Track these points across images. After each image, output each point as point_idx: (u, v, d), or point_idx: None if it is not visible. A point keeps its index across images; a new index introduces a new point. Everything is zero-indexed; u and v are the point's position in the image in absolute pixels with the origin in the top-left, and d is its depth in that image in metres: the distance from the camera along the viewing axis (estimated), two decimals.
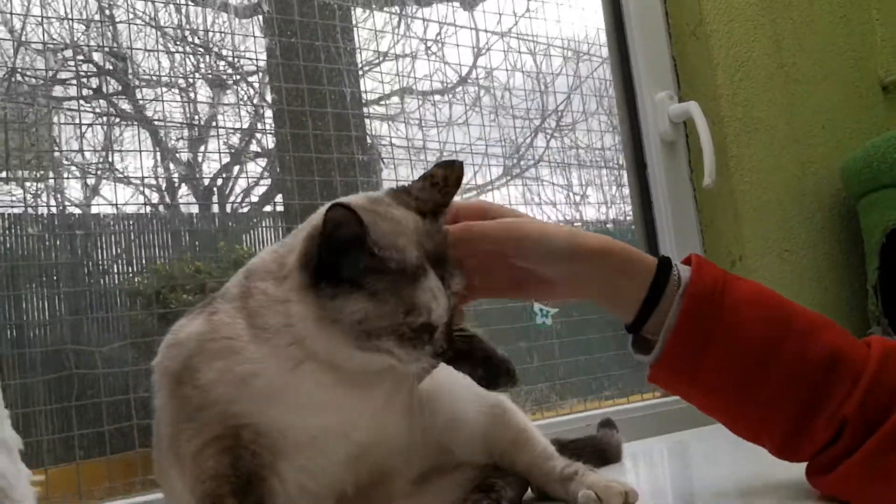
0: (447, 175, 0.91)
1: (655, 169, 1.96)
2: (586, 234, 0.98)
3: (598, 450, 1.31)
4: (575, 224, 2.10)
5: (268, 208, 1.81)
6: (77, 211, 1.51)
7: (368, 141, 1.75)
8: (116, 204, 1.54)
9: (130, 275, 1.62)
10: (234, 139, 1.71)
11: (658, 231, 1.97)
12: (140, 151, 1.50)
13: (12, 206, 1.49)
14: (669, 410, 1.78)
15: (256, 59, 1.68)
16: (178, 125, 1.61)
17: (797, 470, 1.01)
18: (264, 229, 1.79)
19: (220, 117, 1.66)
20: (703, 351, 0.95)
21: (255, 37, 1.64)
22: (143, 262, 1.65)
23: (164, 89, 1.57)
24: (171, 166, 1.66)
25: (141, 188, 1.58)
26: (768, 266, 1.94)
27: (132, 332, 1.50)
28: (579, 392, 1.90)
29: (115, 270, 1.61)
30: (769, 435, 0.99)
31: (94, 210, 1.54)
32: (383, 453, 0.96)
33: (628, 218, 2.10)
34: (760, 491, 1.04)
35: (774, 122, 2.03)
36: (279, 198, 1.75)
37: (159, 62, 1.59)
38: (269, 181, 1.77)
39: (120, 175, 1.54)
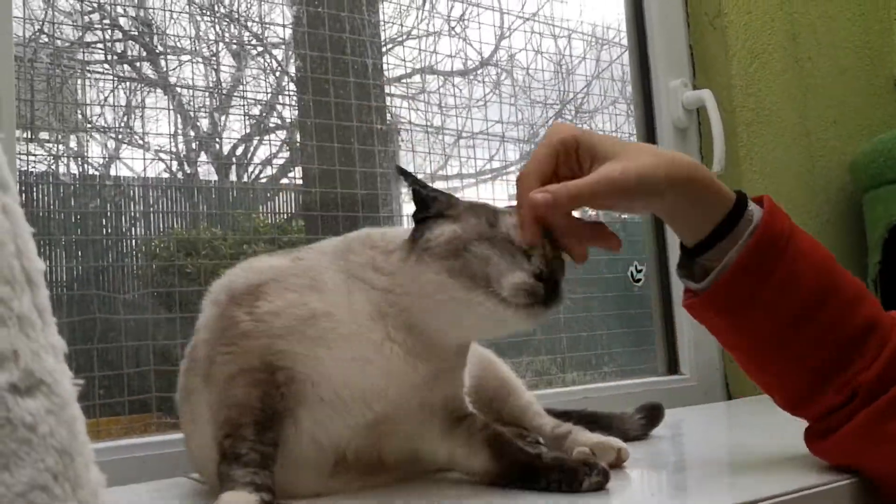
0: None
1: None
2: (676, 160, 0.97)
3: (587, 419, 1.34)
4: (588, 215, 2.13)
5: (285, 180, 1.85)
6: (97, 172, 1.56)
7: (388, 115, 1.80)
8: (144, 169, 1.59)
9: (149, 237, 1.66)
10: (255, 111, 1.75)
11: None
12: (167, 111, 1.55)
13: (36, 164, 1.53)
14: (672, 388, 1.84)
15: (284, 29, 1.72)
16: (202, 91, 1.65)
17: (787, 445, 1.05)
18: (282, 201, 1.83)
19: (242, 87, 1.70)
20: (757, 290, 0.97)
21: (282, 4, 1.68)
22: (161, 227, 1.69)
23: (188, 57, 1.61)
24: (192, 133, 1.70)
25: (159, 155, 1.62)
26: None
27: (152, 283, 1.55)
28: (580, 366, 1.95)
29: (133, 234, 1.65)
30: (785, 387, 1.04)
31: (113, 173, 1.58)
32: (394, 426, 0.98)
33: (639, 218, 2.13)
34: (750, 462, 1.08)
35: (786, 115, 2.06)
36: (299, 171, 1.78)
37: (185, 29, 1.63)
38: (287, 153, 1.81)
39: (140, 141, 1.58)
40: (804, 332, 0.99)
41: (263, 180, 1.84)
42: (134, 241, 1.63)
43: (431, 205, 0.94)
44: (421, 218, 0.95)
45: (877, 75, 2.28)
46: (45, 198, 1.53)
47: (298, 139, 1.72)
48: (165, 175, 1.67)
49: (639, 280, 2.00)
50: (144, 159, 1.57)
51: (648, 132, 2.05)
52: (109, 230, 1.58)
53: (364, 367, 0.92)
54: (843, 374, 0.98)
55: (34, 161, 1.50)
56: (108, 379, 1.39)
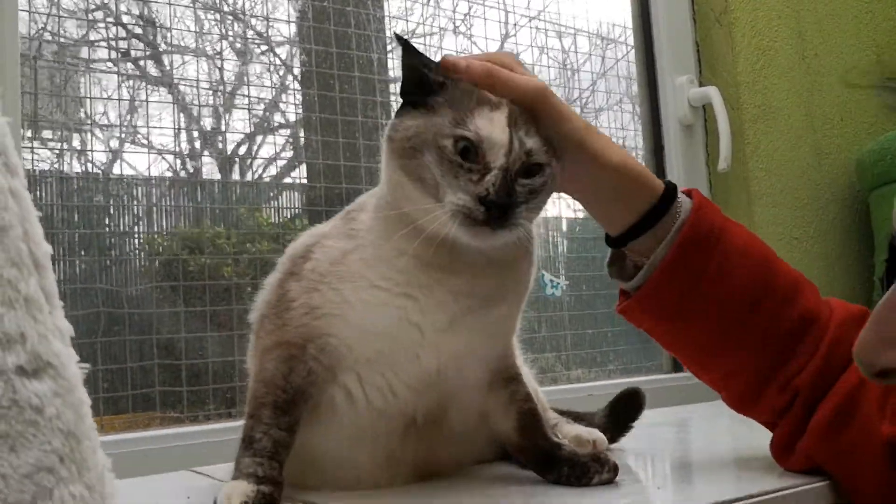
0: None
1: (672, 151, 1.99)
2: (600, 136, 0.96)
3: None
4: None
5: (287, 180, 1.85)
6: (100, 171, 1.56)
7: (393, 106, 1.79)
8: (149, 168, 1.59)
9: (153, 235, 1.65)
10: (259, 109, 1.74)
11: None
12: (172, 124, 1.55)
13: (40, 162, 1.52)
14: (677, 386, 1.83)
15: (289, 26, 1.71)
16: (206, 88, 1.64)
17: None
18: (285, 199, 1.82)
19: (245, 87, 1.69)
20: (688, 291, 0.95)
21: (286, 0, 1.68)
22: (164, 225, 1.67)
23: (192, 56, 1.61)
24: (195, 133, 1.70)
25: (162, 155, 1.61)
26: (778, 252, 1.96)
27: (156, 280, 1.55)
28: (584, 363, 1.95)
29: (137, 231, 1.64)
30: (730, 386, 1.03)
31: (116, 171, 1.58)
32: (452, 383, 0.97)
33: None
34: (755, 457, 1.08)
35: (792, 112, 2.06)
36: (303, 169, 1.77)
37: (189, 26, 1.62)
38: (291, 152, 1.81)
39: (143, 139, 1.57)
40: (740, 330, 0.97)
41: (267, 179, 1.84)
42: (137, 238, 1.62)
43: (417, 87, 0.90)
44: (407, 99, 0.92)
45: (883, 72, 2.27)
46: (49, 195, 1.53)
47: (302, 137, 1.72)
48: (169, 174, 1.67)
49: None
50: (150, 154, 1.57)
51: (654, 129, 2.04)
52: (112, 228, 1.57)
53: (386, 298, 0.91)
54: (782, 372, 0.97)
55: (38, 159, 1.49)
56: (112, 373, 1.39)
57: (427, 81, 0.89)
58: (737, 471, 1.09)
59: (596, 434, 1.11)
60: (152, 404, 1.40)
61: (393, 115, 0.94)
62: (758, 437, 1.05)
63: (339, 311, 0.92)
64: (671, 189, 0.97)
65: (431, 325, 0.92)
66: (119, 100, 1.55)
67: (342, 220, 1.00)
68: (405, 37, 0.92)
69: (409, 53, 0.91)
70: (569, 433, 1.09)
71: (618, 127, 2.15)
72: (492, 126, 0.85)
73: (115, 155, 1.57)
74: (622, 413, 1.25)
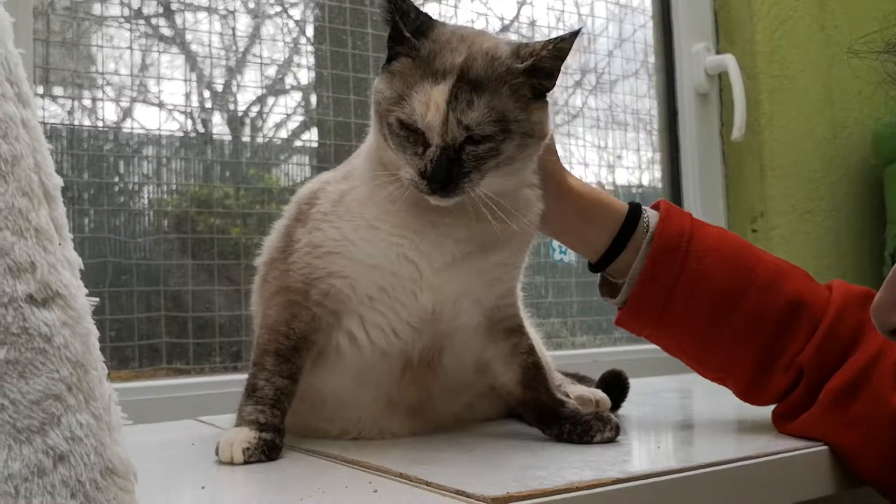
0: (562, 37, 0.91)
1: (686, 120, 1.98)
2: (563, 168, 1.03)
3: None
4: (606, 188, 2.12)
5: (298, 143, 1.84)
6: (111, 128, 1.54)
7: None
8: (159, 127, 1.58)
9: (162, 195, 1.65)
10: (270, 71, 1.73)
11: (683, 182, 2.00)
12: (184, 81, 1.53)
13: (51, 118, 1.51)
14: None
15: None
16: (218, 48, 1.62)
17: None
18: (294, 164, 1.81)
19: (257, 46, 1.68)
20: (668, 297, 1.00)
21: None
22: (174, 185, 1.66)
23: (204, 15, 1.59)
24: (206, 93, 1.68)
25: (173, 114, 1.60)
26: (788, 225, 1.96)
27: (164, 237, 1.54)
28: (590, 330, 1.95)
29: (147, 192, 1.63)
30: (733, 379, 1.06)
31: (127, 129, 1.57)
32: (447, 324, 0.98)
33: (659, 185, 2.11)
34: (756, 422, 1.09)
35: (810, 83, 2.03)
36: (313, 133, 1.76)
37: None
38: (303, 116, 1.79)
39: (154, 99, 1.56)
40: (732, 321, 1.00)
41: (278, 142, 1.82)
42: (147, 196, 1.61)
43: (393, 37, 0.91)
44: (389, 49, 0.92)
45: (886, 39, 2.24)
46: (59, 150, 1.52)
47: (314, 101, 1.70)
48: (179, 134, 1.66)
49: None
50: (161, 110, 1.56)
51: (669, 97, 2.03)
52: (122, 185, 1.57)
53: (383, 236, 0.93)
54: (782, 356, 0.99)
55: (49, 115, 1.49)
56: (120, 323, 1.40)
57: (399, 32, 0.89)
58: (737, 434, 1.10)
59: (599, 394, 1.12)
60: (159, 356, 1.41)
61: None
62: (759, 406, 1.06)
63: (340, 249, 0.94)
64: (635, 207, 1.03)
65: (428, 265, 0.94)
66: (131, 50, 1.54)
67: (343, 164, 1.03)
68: None
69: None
70: (573, 393, 1.10)
71: (634, 98, 2.12)
72: (427, 107, 0.86)
73: (126, 112, 1.56)
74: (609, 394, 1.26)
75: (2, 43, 0.53)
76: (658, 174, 2.10)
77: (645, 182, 2.15)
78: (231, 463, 0.87)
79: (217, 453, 0.89)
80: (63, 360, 0.51)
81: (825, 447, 0.96)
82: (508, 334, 1.01)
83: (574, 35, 0.90)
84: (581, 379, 1.27)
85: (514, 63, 0.88)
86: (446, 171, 0.85)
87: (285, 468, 0.87)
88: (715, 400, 1.45)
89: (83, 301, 0.53)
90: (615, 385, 1.24)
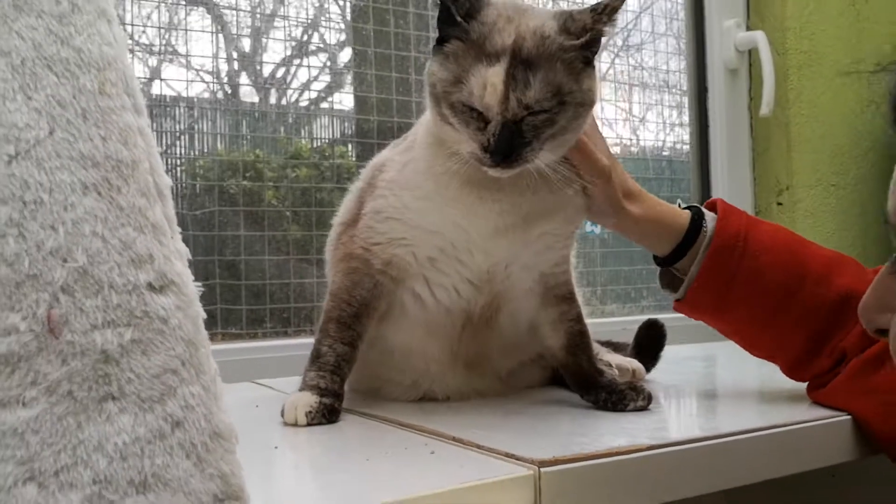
0: (606, 3, 0.95)
1: (716, 95, 2.02)
2: (631, 189, 1.09)
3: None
4: (631, 149, 2.17)
5: (325, 105, 1.88)
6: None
7: None
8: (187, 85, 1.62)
9: (192, 157, 1.68)
10: (297, 32, 1.74)
11: (711, 155, 2.04)
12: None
13: None
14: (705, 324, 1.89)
15: None
16: (246, 11, 1.65)
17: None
18: (322, 124, 1.84)
19: (284, 8, 1.69)
20: (724, 294, 1.07)
21: None
22: (205, 147, 1.69)
23: None
24: (234, 54, 1.72)
25: (200, 74, 1.62)
26: (814, 198, 2.00)
27: (192, 207, 1.59)
28: (619, 299, 2.02)
29: (177, 153, 1.67)
30: (782, 359, 1.13)
31: (155, 92, 1.60)
32: (501, 285, 1.06)
33: (685, 147, 2.16)
34: (779, 392, 1.15)
35: (839, 58, 2.06)
36: (348, 93, 1.80)
37: None
38: (329, 77, 1.82)
39: (182, 60, 1.60)
40: (783, 317, 1.07)
41: (304, 103, 1.85)
42: (179, 159, 1.65)
43: (445, 19, 0.94)
44: (440, 31, 0.96)
45: None
46: None
47: (349, 63, 1.74)
48: (206, 95, 1.68)
49: None
50: (188, 72, 1.58)
51: (699, 72, 2.06)
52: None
53: (439, 207, 1.01)
54: (831, 341, 1.06)
55: None
56: None
57: (450, 15, 0.93)
58: (760, 404, 1.17)
59: (636, 364, 1.20)
60: (214, 322, 1.49)
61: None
62: (778, 374, 1.13)
63: (401, 216, 1.02)
64: (696, 217, 1.09)
65: (477, 232, 1.01)
66: (159, 5, 1.59)
67: (410, 133, 1.10)
68: None
69: None
70: (611, 361, 1.17)
71: (655, 67, 2.16)
72: (485, 89, 0.90)
73: (154, 73, 1.60)
74: (647, 345, 1.34)
75: (121, 59, 0.60)
76: (685, 136, 2.15)
77: (669, 143, 2.21)
78: (295, 424, 0.96)
79: (282, 415, 0.97)
80: (178, 340, 0.59)
81: (846, 416, 1.02)
82: (559, 301, 1.08)
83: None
84: (615, 346, 1.34)
85: (565, 40, 0.93)
86: (508, 143, 0.90)
87: (347, 431, 0.95)
88: (737, 369, 1.52)
89: (192, 287, 0.61)
90: (652, 335, 1.33)
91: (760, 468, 0.93)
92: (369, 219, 1.04)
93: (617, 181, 1.06)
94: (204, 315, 0.61)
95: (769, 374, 1.20)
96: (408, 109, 1.70)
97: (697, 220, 1.09)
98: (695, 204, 1.13)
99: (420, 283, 1.05)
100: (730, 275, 1.06)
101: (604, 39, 0.97)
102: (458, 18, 0.93)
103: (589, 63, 0.96)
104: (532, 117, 0.91)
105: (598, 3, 0.94)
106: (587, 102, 0.96)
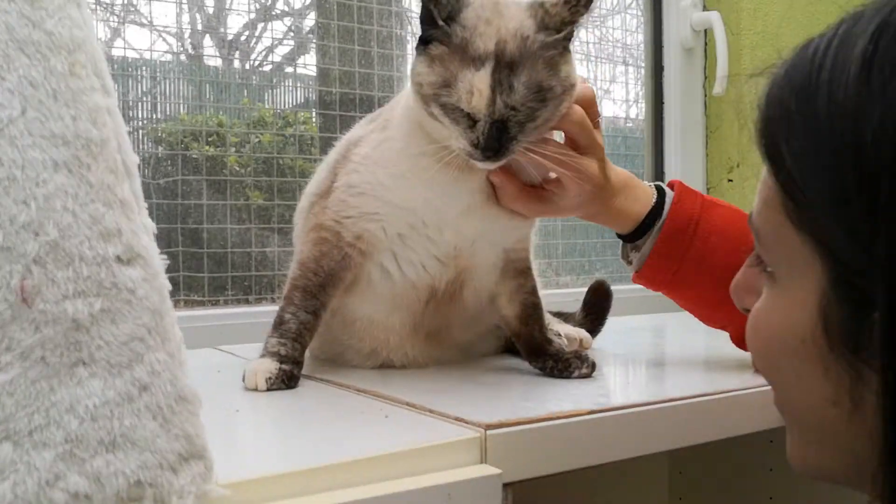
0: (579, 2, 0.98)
1: (672, 73, 2.07)
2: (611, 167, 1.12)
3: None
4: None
5: (289, 69, 1.89)
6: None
7: (407, 17, 1.85)
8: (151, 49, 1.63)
9: (155, 121, 1.67)
10: None
11: (665, 132, 2.10)
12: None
13: None
14: (657, 295, 1.95)
15: None
16: None
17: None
18: (286, 89, 1.84)
19: None
20: (675, 272, 1.13)
21: None
22: (167, 112, 1.68)
23: None
24: (198, 16, 1.71)
25: (162, 35, 1.61)
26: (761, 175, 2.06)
27: (155, 174, 1.61)
28: (573, 271, 2.08)
29: (139, 116, 1.66)
30: (732, 331, 1.19)
31: (116, 53, 1.59)
32: (468, 261, 1.11)
33: (639, 117, 2.22)
34: (724, 361, 1.21)
35: (790, 41, 2.08)
36: (312, 59, 1.81)
37: None
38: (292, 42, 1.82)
39: (145, 20, 1.58)
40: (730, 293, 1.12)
41: (268, 68, 1.85)
42: (140, 123, 1.64)
43: (427, 20, 0.97)
44: (423, 31, 0.99)
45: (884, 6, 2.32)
46: None
47: (313, 28, 1.75)
48: (169, 58, 1.67)
49: None
50: (153, 31, 1.57)
51: (656, 50, 2.11)
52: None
53: (413, 185, 1.04)
54: None
55: None
56: None
57: (432, 17, 0.96)
58: (705, 372, 1.23)
59: (583, 333, 1.26)
60: (176, 289, 1.52)
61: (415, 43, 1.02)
62: (730, 345, 1.19)
63: (374, 192, 1.06)
64: (658, 201, 1.14)
65: (449, 209, 1.05)
66: None
67: (384, 110, 1.13)
68: None
69: None
70: (559, 332, 1.23)
71: (620, 38, 2.21)
72: (472, 94, 0.94)
73: (115, 33, 1.59)
74: (595, 305, 1.40)
75: (90, 42, 0.62)
76: (637, 108, 2.21)
77: (629, 116, 2.26)
78: (255, 390, 1.00)
79: (244, 380, 1.02)
80: (144, 309, 0.62)
81: None
82: (517, 274, 1.14)
83: None
84: (564, 316, 1.40)
85: (545, 37, 0.96)
86: (496, 140, 0.95)
87: (307, 396, 1.00)
88: (687, 339, 1.59)
89: (158, 260, 0.64)
90: (599, 295, 1.40)
91: (701, 431, 0.98)
92: (342, 192, 1.07)
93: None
94: (169, 287, 0.65)
95: (717, 345, 1.25)
96: (370, 82, 1.72)
97: (660, 201, 1.14)
98: (659, 182, 1.18)
99: (388, 257, 1.09)
100: (680, 256, 1.12)
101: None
102: (440, 22, 0.96)
103: (566, 49, 1.00)
104: (517, 114, 0.96)
105: None
106: (567, 90, 1.00)
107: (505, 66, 0.94)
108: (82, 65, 0.62)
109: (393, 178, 1.05)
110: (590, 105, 1.06)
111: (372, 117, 1.17)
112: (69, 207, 0.60)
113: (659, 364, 1.32)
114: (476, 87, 0.94)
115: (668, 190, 1.16)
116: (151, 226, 0.65)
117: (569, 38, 0.99)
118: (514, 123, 0.96)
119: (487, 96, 0.94)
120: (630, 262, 1.19)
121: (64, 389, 0.58)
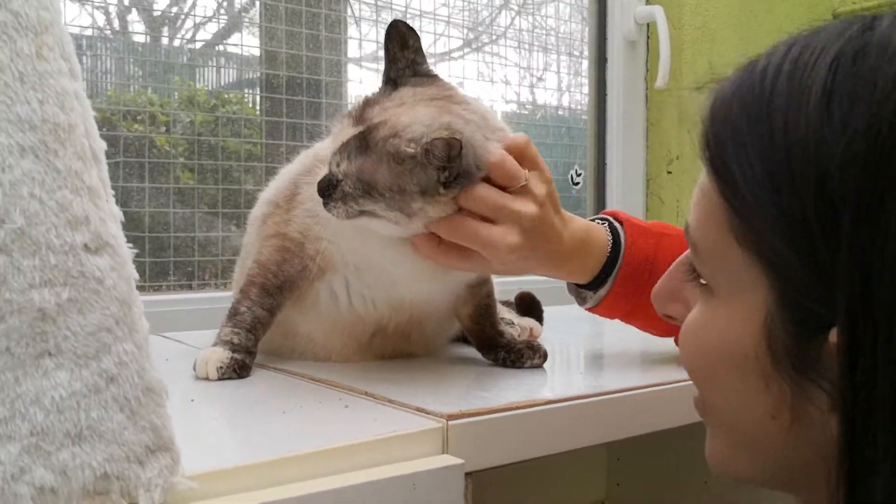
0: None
1: (615, 66, 2.11)
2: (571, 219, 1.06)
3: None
4: (526, 107, 2.24)
5: (220, 47, 1.84)
6: None
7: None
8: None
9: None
10: None
11: (608, 125, 2.14)
12: None
13: None
14: None
15: None
16: None
17: None
18: (218, 68, 1.79)
19: None
20: (632, 306, 1.12)
21: None
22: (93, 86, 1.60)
23: None
24: None
25: (84, 5, 1.54)
26: (700, 168, 2.12)
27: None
28: None
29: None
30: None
31: None
32: (423, 308, 1.10)
33: (580, 107, 2.25)
34: (663, 354, 1.24)
35: (729, 36, 2.17)
36: (250, 39, 1.77)
37: None
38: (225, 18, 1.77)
39: None
40: None
41: (199, 45, 1.79)
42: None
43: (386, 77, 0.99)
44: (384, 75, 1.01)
45: (817, 5, 2.40)
46: None
47: (248, 4, 1.72)
48: (93, 32, 1.61)
49: (577, 183, 2.15)
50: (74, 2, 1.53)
51: (600, 42, 2.14)
52: None
53: (364, 242, 1.01)
54: None
55: None
56: None
57: (386, 71, 0.99)
58: (642, 364, 1.26)
59: (533, 323, 1.27)
60: None
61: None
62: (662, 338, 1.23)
63: (330, 227, 1.02)
64: (613, 249, 1.09)
65: (398, 271, 1.03)
66: None
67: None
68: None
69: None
70: (512, 320, 1.24)
71: (561, 33, 2.23)
72: (334, 139, 0.96)
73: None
74: (527, 312, 1.39)
75: (57, 24, 0.60)
76: (584, 103, 2.24)
77: (568, 106, 2.29)
78: (206, 379, 0.98)
79: (194, 369, 1.00)
80: (112, 299, 0.61)
81: None
82: (476, 286, 1.12)
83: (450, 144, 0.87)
84: (505, 304, 1.41)
85: (406, 147, 0.89)
86: (324, 189, 0.94)
87: (262, 385, 0.99)
88: (624, 330, 1.62)
89: (126, 249, 0.63)
90: (532, 304, 1.41)
91: (639, 423, 1.00)
92: (307, 218, 1.05)
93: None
94: (136, 276, 0.64)
95: (652, 338, 1.29)
96: (317, 66, 1.71)
97: (615, 248, 1.10)
98: (606, 217, 1.14)
99: (340, 283, 1.06)
100: (637, 293, 1.10)
101: None
102: (386, 77, 0.99)
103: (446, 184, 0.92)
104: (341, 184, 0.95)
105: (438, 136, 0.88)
106: (412, 215, 0.93)
107: (362, 140, 0.92)
108: (49, 47, 0.60)
109: (346, 231, 1.00)
110: (521, 153, 0.97)
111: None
112: (36, 194, 0.58)
113: (599, 356, 1.35)
114: (336, 136, 0.95)
115: (618, 226, 1.12)
116: (118, 214, 0.64)
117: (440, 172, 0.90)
118: (339, 190, 0.93)
119: (333, 148, 0.94)
120: (583, 300, 1.16)
121: (29, 381, 0.57)
